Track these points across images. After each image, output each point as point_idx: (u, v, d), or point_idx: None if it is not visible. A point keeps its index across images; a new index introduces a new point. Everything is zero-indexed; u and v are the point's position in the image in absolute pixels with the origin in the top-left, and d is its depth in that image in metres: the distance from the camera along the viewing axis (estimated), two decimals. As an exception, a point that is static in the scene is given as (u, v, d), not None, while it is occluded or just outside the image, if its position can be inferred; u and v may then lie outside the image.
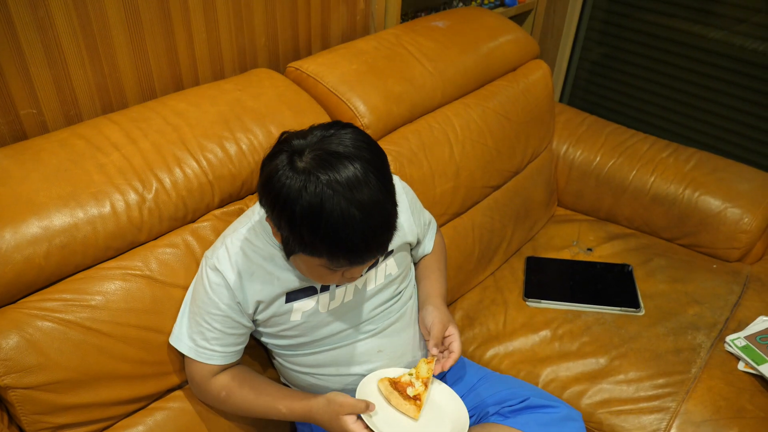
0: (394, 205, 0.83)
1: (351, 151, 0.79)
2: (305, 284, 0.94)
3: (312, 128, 0.83)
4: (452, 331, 1.01)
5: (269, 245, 0.93)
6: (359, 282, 0.99)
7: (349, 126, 0.84)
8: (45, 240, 0.86)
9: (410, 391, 0.94)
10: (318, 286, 0.95)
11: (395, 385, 0.95)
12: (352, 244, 0.78)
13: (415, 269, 1.15)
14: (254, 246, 0.93)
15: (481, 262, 1.48)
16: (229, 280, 0.91)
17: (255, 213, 0.96)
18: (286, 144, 0.82)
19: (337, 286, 0.97)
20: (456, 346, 0.98)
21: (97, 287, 0.90)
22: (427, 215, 1.16)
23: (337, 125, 0.83)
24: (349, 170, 0.77)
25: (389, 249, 1.01)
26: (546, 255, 1.57)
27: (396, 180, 1.07)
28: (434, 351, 0.98)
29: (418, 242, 1.13)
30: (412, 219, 1.07)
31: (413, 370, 0.97)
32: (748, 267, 1.53)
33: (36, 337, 0.84)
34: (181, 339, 0.94)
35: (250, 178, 1.09)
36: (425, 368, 0.96)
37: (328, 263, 0.82)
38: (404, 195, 1.07)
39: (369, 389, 0.95)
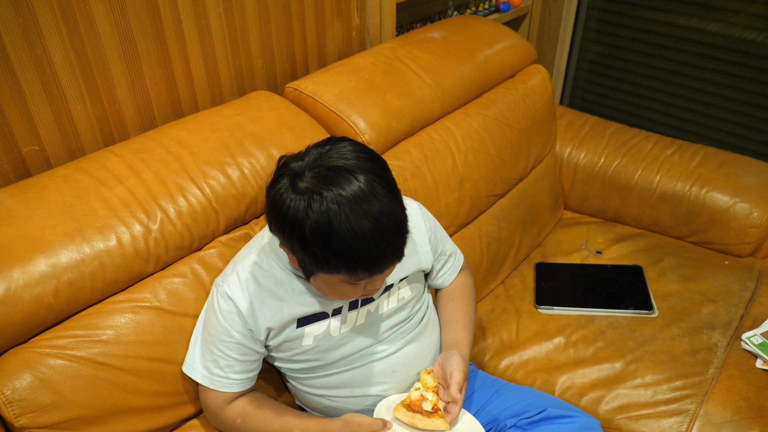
0: (403, 209, 0.83)
1: (352, 163, 0.79)
2: (316, 309, 0.94)
3: (308, 148, 0.83)
4: (459, 396, 0.95)
5: (280, 270, 0.93)
6: (372, 306, 0.98)
7: (345, 139, 0.84)
8: (53, 278, 0.86)
9: (427, 406, 0.93)
10: (329, 311, 0.95)
11: (410, 407, 0.94)
12: (367, 255, 0.78)
13: (443, 308, 1.12)
14: (264, 272, 0.92)
15: (490, 271, 1.47)
16: (241, 308, 0.90)
17: (264, 238, 0.96)
18: (285, 168, 0.82)
19: (350, 310, 0.96)
20: (456, 410, 0.93)
21: (107, 322, 0.90)
22: (449, 248, 1.13)
23: (332, 141, 0.84)
24: (353, 184, 0.77)
25: (405, 275, 1.01)
26: (555, 260, 1.56)
27: (415, 206, 1.06)
28: (458, 396, 0.93)
29: (432, 270, 1.11)
30: (429, 246, 1.06)
31: (418, 384, 0.96)
32: (761, 262, 1.51)
33: (49, 376, 0.84)
34: (195, 367, 0.94)
35: (254, 202, 1.09)
36: (429, 378, 0.96)
37: (347, 278, 0.81)
38: (423, 221, 1.06)
39: (386, 411, 0.95)
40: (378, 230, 0.77)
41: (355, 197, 0.76)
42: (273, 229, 0.84)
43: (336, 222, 0.76)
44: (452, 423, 0.96)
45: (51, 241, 0.88)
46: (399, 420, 0.94)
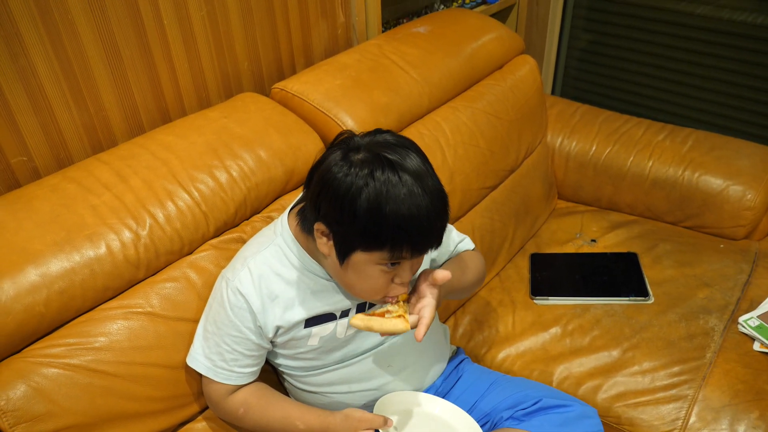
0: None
1: (402, 142, 0.83)
2: (326, 310, 0.94)
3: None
4: (430, 293, 0.89)
5: (293, 268, 0.92)
6: (377, 308, 0.98)
7: (387, 131, 0.86)
8: (44, 287, 0.86)
9: (388, 317, 0.86)
10: (338, 312, 0.95)
11: (371, 315, 0.87)
12: (417, 230, 0.78)
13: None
14: (277, 270, 0.92)
15: (485, 264, 1.47)
16: (252, 304, 0.90)
17: (277, 235, 0.94)
18: (342, 143, 0.83)
19: (358, 312, 0.96)
20: (428, 312, 0.87)
21: (99, 329, 0.91)
22: (453, 241, 1.10)
23: (374, 132, 0.85)
24: (412, 158, 0.80)
25: None
26: (550, 250, 1.55)
27: None
28: (439, 276, 0.88)
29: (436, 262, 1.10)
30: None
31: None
32: (756, 244, 1.51)
33: (42, 385, 0.84)
34: (198, 359, 0.94)
35: (243, 204, 1.09)
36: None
37: (388, 255, 0.81)
38: None
39: (386, 408, 0.95)
40: (433, 205, 0.79)
41: (415, 170, 0.79)
42: (319, 202, 0.82)
43: (396, 191, 0.77)
44: (451, 422, 0.95)
45: (40, 250, 0.88)
46: (355, 326, 0.85)
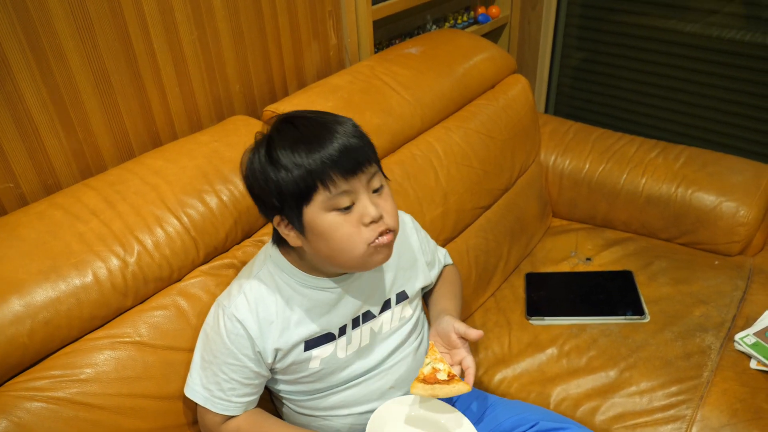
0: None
1: (295, 111, 0.90)
2: (323, 327, 0.93)
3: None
4: (462, 344, 0.95)
5: (286, 286, 0.92)
6: (375, 325, 0.98)
7: None
8: (27, 317, 0.85)
9: (442, 376, 0.90)
10: (336, 330, 0.94)
11: (426, 381, 0.90)
12: (328, 147, 0.80)
13: (429, 293, 1.14)
14: (272, 292, 0.91)
15: (480, 284, 1.46)
16: (250, 330, 0.89)
17: (267, 256, 0.95)
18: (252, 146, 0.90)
19: (353, 328, 0.96)
20: (470, 362, 0.92)
21: (85, 360, 0.89)
22: (438, 257, 1.14)
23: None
24: (303, 111, 0.89)
25: (408, 294, 1.02)
26: (545, 269, 1.54)
27: (408, 219, 1.09)
28: (474, 334, 0.93)
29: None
30: (424, 261, 1.07)
31: (427, 360, 0.93)
32: (750, 259, 1.50)
33: (26, 420, 0.82)
34: (196, 389, 0.93)
35: (234, 229, 1.07)
36: (433, 352, 0.94)
37: (327, 194, 0.81)
38: (415, 234, 1.08)
39: (379, 426, 0.93)
40: (327, 118, 0.84)
41: (305, 112, 0.88)
42: (258, 201, 0.88)
43: (292, 132, 0.82)
44: (450, 427, 0.94)
45: (25, 280, 0.87)
46: (419, 395, 0.90)
